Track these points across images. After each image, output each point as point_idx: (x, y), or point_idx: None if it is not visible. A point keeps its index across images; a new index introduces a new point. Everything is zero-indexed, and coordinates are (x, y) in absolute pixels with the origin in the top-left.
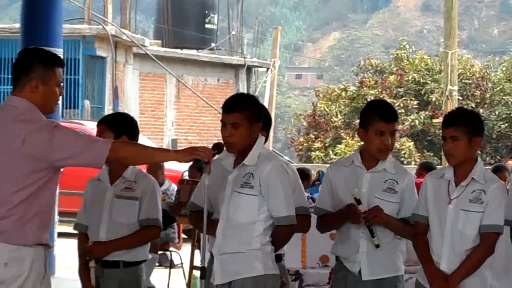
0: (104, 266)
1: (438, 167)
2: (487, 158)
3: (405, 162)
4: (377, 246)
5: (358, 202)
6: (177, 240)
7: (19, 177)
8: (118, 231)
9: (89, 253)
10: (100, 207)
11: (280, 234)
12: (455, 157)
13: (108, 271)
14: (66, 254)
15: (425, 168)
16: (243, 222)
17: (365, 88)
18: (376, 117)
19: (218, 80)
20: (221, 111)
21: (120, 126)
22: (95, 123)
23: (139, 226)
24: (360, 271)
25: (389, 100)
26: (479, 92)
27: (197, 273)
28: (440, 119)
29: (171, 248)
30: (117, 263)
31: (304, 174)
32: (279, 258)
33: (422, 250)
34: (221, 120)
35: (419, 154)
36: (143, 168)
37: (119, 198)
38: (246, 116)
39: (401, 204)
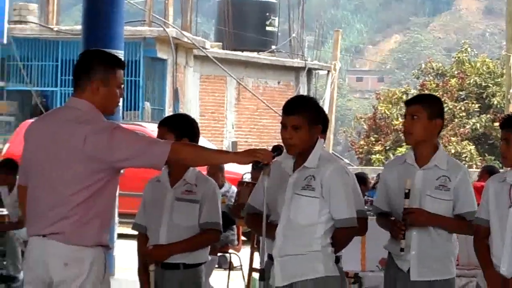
0: (164, 267)
1: (501, 170)
2: None
3: (466, 166)
4: (402, 249)
5: (407, 195)
6: (236, 242)
7: (80, 178)
8: (178, 233)
9: (149, 257)
10: (160, 209)
11: (341, 236)
12: (507, 160)
13: (168, 273)
14: (125, 255)
15: (487, 172)
16: (304, 224)
17: (426, 92)
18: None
19: (279, 82)
20: (281, 114)
21: (182, 128)
22: (156, 125)
23: (199, 229)
24: (409, 270)
25: (450, 104)
26: None
27: (256, 275)
28: None
29: (230, 250)
30: (177, 265)
31: (361, 179)
32: (337, 260)
33: (482, 254)
34: (281, 122)
35: (480, 157)
36: (203, 170)
37: (180, 201)
38: (306, 118)
39: (456, 200)
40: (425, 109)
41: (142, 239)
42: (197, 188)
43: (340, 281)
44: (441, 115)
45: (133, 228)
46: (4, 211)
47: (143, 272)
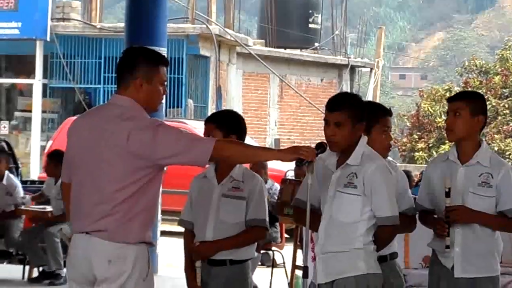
0: (210, 264)
1: None
2: None
3: (510, 163)
4: (447, 247)
5: (447, 194)
6: (279, 240)
7: (123, 175)
8: (224, 230)
9: (196, 253)
10: (206, 205)
11: (383, 234)
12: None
13: (215, 269)
14: (168, 252)
15: None
16: (346, 222)
17: (469, 89)
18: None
19: (322, 80)
20: (324, 111)
21: (229, 125)
22: (199, 122)
23: (246, 226)
24: (453, 267)
25: (493, 101)
26: None
27: (299, 272)
28: None
29: (273, 248)
30: (224, 262)
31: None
32: (395, 255)
33: None
34: (325, 119)
35: None
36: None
37: (227, 197)
38: (349, 115)
39: (498, 197)
40: (468, 106)
41: (188, 235)
42: (244, 184)
43: (382, 278)
44: (484, 112)
45: (179, 224)
46: (48, 208)
47: (189, 268)
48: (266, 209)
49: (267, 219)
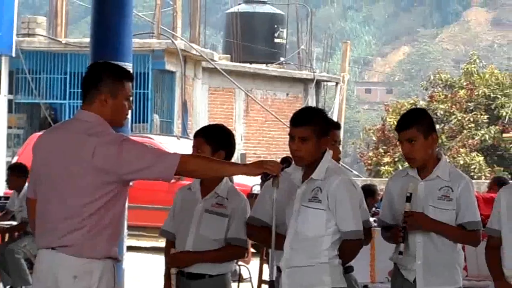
0: (189, 278)
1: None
2: None
3: (475, 177)
4: (400, 253)
5: (408, 199)
6: (246, 254)
7: (89, 190)
8: (203, 245)
9: (173, 260)
10: (188, 218)
11: (347, 248)
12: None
13: (194, 283)
14: (135, 267)
15: (497, 183)
16: (311, 236)
17: (435, 103)
18: (396, 128)
19: (287, 94)
20: (289, 125)
21: (218, 140)
22: (165, 137)
23: (225, 243)
24: (415, 280)
25: (459, 115)
26: None
27: (265, 287)
28: (511, 134)
29: (240, 262)
30: (203, 275)
31: (370, 191)
32: (350, 269)
33: (494, 265)
34: (289, 134)
35: (489, 168)
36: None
37: (209, 213)
38: (314, 130)
39: (458, 210)
40: (419, 131)
41: (169, 245)
42: (228, 202)
43: None
44: (433, 127)
45: (160, 235)
46: (14, 223)
47: (168, 277)
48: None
49: (247, 239)
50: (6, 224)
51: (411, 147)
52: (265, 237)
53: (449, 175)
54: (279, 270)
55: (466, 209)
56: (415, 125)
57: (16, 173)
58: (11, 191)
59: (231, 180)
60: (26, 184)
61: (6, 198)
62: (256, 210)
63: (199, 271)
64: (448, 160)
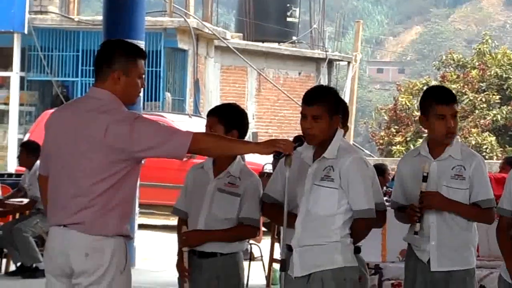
0: (201, 257)
1: None
2: None
3: (487, 157)
4: (416, 233)
5: (425, 179)
6: (257, 234)
7: (101, 168)
8: (215, 224)
9: (185, 239)
10: (200, 197)
11: (359, 227)
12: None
13: (206, 262)
14: (146, 245)
15: (508, 163)
16: (323, 215)
17: (447, 83)
18: (434, 102)
19: (299, 73)
20: (301, 105)
21: (233, 120)
22: (177, 115)
23: (237, 222)
24: (429, 260)
25: (471, 95)
26: None
27: (277, 265)
28: None
29: (251, 241)
30: (215, 254)
31: (380, 170)
32: (357, 250)
33: (505, 245)
34: (301, 112)
35: (501, 149)
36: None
37: (221, 192)
38: (326, 108)
39: (471, 189)
40: (456, 106)
41: (181, 224)
42: (240, 181)
43: (359, 271)
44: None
45: (172, 213)
46: (25, 201)
47: (180, 256)
48: (259, 210)
49: (260, 219)
50: (18, 201)
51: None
52: (276, 215)
53: (461, 154)
54: (289, 249)
55: (480, 187)
56: (454, 101)
57: (27, 150)
58: (23, 169)
59: (243, 159)
60: (37, 162)
61: (18, 175)
62: (269, 187)
63: (211, 249)
64: (459, 140)
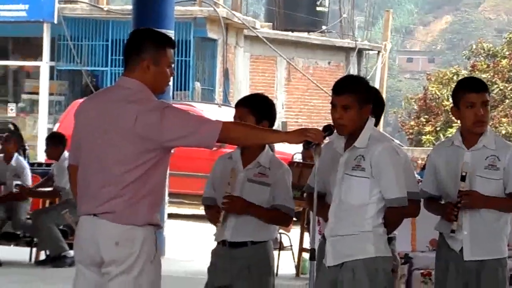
0: (231, 246)
1: None
2: None
3: None
4: (452, 231)
5: (463, 178)
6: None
7: (131, 157)
8: (246, 215)
9: (227, 203)
10: (230, 187)
11: (391, 216)
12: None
13: (236, 252)
14: (175, 235)
15: None
16: (355, 205)
17: (477, 72)
18: (464, 91)
19: (329, 63)
20: (331, 94)
21: (263, 111)
22: (206, 105)
23: (274, 209)
24: (461, 250)
25: (501, 84)
26: None
27: (306, 255)
28: None
29: (280, 230)
30: (245, 243)
31: None
32: (389, 241)
33: None
34: (331, 102)
35: None
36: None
37: (251, 183)
38: (356, 98)
39: (506, 179)
40: (488, 95)
41: (210, 208)
42: (270, 171)
43: (391, 261)
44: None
45: (203, 202)
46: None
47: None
48: (292, 199)
49: (294, 209)
50: (47, 191)
51: (486, 111)
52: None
53: (495, 144)
54: (323, 238)
55: None
56: (486, 91)
57: (52, 142)
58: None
59: (272, 149)
60: (65, 152)
61: (48, 165)
62: (311, 178)
63: (242, 239)
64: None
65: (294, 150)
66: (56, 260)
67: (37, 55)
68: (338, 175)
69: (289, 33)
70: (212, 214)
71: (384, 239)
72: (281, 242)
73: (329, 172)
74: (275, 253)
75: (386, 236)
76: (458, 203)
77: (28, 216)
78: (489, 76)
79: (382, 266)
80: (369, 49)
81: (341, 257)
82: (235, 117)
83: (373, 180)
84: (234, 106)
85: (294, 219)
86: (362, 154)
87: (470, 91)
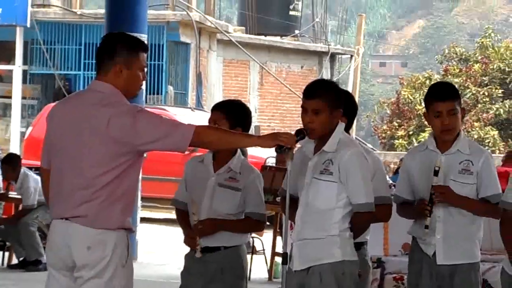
0: (203, 251)
1: None
2: None
3: (489, 151)
4: (426, 227)
5: (436, 173)
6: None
7: (104, 161)
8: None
9: (201, 229)
10: (201, 192)
11: (358, 221)
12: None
13: (209, 256)
14: (148, 239)
15: (511, 157)
16: (322, 209)
17: (449, 77)
18: (431, 99)
19: (302, 67)
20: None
21: (238, 118)
22: (179, 109)
23: (245, 217)
24: (434, 254)
25: (473, 89)
26: None
27: (279, 259)
28: None
29: (253, 234)
30: (218, 248)
31: None
32: (359, 246)
33: (508, 238)
34: (302, 106)
35: (503, 143)
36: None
37: (222, 187)
38: (326, 102)
39: (480, 184)
40: (458, 103)
41: (181, 213)
42: (241, 176)
43: (358, 265)
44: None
45: (172, 204)
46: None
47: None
48: (264, 204)
49: (266, 214)
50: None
51: (454, 119)
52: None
53: (469, 148)
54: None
55: (489, 183)
56: (454, 98)
57: (9, 165)
58: (27, 162)
59: (244, 153)
60: (22, 171)
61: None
62: (284, 182)
63: (214, 244)
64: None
65: (267, 154)
66: (29, 264)
67: (10, 59)
68: (307, 179)
69: (262, 37)
70: (189, 241)
71: (351, 243)
72: (254, 246)
73: (298, 176)
74: (248, 257)
75: (352, 240)
76: (431, 198)
77: None
78: (462, 81)
79: (349, 270)
80: (342, 54)
81: (307, 262)
82: (210, 120)
83: (341, 185)
84: (209, 110)
85: (267, 223)
86: (330, 158)
87: (436, 100)
